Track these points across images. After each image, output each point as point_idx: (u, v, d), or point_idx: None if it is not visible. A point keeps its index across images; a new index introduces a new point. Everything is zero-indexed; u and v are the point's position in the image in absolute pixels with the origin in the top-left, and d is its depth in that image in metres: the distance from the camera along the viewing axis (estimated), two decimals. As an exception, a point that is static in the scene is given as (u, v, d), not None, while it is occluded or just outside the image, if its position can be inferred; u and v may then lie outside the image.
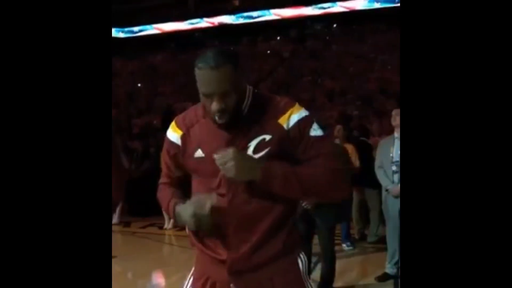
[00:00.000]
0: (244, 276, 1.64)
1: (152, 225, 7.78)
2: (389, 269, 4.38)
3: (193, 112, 1.73)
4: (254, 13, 21.77)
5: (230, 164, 1.51)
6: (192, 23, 21.98)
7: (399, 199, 4.07)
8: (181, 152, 1.71)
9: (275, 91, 13.00)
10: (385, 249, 4.57)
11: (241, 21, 21.96)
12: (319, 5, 20.70)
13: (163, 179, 1.84)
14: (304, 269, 1.71)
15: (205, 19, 22.18)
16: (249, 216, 1.61)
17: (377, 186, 4.91)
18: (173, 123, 1.75)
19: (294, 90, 14.58)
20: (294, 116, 1.60)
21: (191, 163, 1.69)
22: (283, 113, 1.60)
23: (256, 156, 1.58)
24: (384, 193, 4.42)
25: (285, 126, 1.59)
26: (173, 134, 1.73)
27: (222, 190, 1.62)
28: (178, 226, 6.17)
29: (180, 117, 1.75)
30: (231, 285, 1.66)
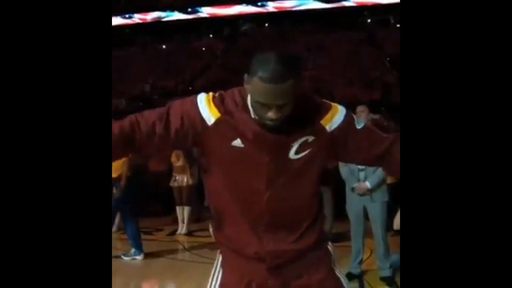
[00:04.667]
0: (283, 269, 1.64)
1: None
2: (354, 268, 4.23)
3: (230, 98, 1.58)
4: (187, 10, 21.55)
5: None
6: (123, 18, 21.37)
7: (363, 197, 4.05)
8: (208, 133, 1.55)
9: (210, 88, 12.85)
10: (343, 247, 4.48)
11: (174, 17, 21.64)
12: (251, 5, 20.84)
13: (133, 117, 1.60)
14: (333, 257, 1.75)
15: (137, 14, 21.65)
16: (288, 211, 1.62)
17: (328, 183, 4.97)
18: (209, 98, 1.57)
19: (229, 87, 14.49)
20: (336, 117, 1.60)
21: (225, 150, 1.56)
22: (325, 113, 1.60)
23: (298, 156, 1.56)
24: (348, 191, 4.22)
25: (327, 127, 1.59)
26: (207, 110, 1.55)
27: (260, 186, 1.58)
28: (123, 228, 5.77)
29: (217, 97, 1.58)
30: (269, 281, 1.64)
